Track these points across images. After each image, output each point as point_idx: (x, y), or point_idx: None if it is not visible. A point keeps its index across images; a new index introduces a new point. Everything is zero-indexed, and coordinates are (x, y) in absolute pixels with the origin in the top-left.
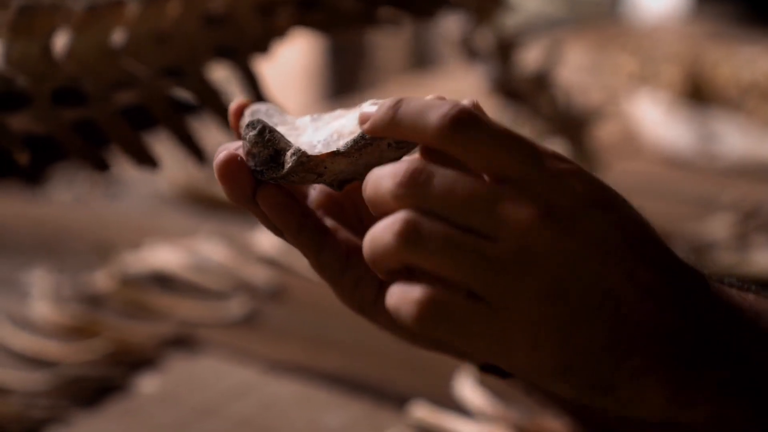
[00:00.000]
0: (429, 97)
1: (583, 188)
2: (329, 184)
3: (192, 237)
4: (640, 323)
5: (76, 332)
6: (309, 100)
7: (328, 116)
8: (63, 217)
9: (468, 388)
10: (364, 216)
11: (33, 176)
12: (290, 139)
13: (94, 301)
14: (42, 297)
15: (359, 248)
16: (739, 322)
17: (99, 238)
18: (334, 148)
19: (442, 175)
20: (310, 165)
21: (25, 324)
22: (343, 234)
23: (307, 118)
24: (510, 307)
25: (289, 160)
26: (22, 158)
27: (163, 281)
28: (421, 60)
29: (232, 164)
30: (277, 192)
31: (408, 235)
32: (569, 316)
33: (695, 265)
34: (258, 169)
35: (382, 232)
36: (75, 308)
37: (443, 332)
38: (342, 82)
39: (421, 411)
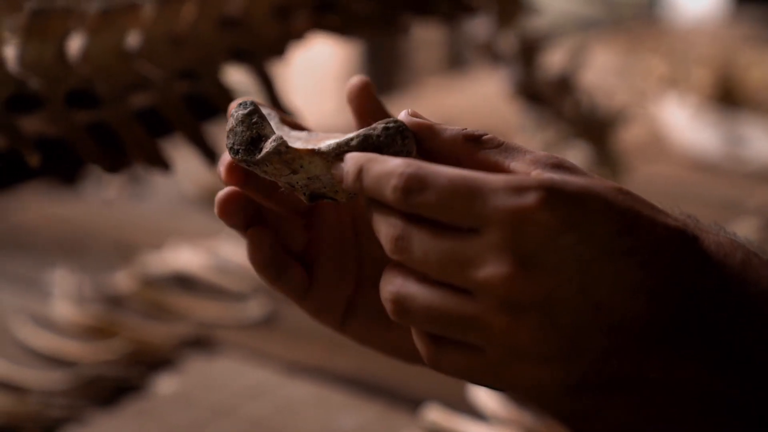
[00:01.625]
0: (402, 114)
1: (548, 216)
2: (301, 191)
3: (214, 238)
4: (635, 319)
5: (96, 332)
6: (343, 101)
7: (324, 135)
8: (87, 217)
9: (482, 391)
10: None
11: (68, 176)
12: None
13: (114, 301)
14: (63, 296)
15: (330, 278)
16: (724, 291)
17: (122, 238)
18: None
19: (419, 240)
20: (287, 157)
21: (46, 323)
22: (323, 258)
23: (303, 133)
24: (505, 350)
25: (267, 146)
26: (33, 160)
27: (183, 282)
28: (457, 62)
29: (231, 203)
30: (266, 235)
31: (398, 312)
32: (567, 341)
33: (682, 227)
34: (235, 148)
35: (384, 301)
36: (96, 308)
37: (451, 375)
38: (377, 83)
39: (435, 414)
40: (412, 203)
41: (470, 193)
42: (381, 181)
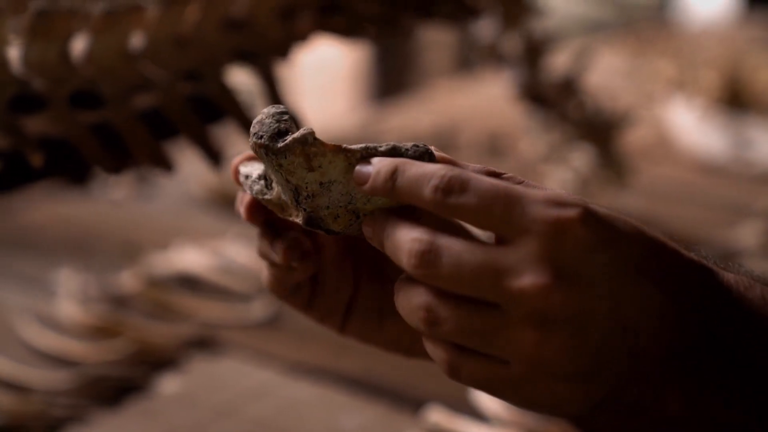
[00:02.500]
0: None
1: (585, 232)
2: (303, 206)
3: (219, 239)
4: (659, 345)
5: (100, 332)
6: (354, 102)
7: None
8: (94, 217)
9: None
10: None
11: (78, 176)
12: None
13: (119, 301)
14: (68, 296)
15: (333, 285)
16: (746, 323)
17: (128, 238)
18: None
19: (448, 253)
20: (311, 150)
21: (51, 323)
22: (327, 267)
23: None
24: (530, 364)
25: (296, 133)
26: (36, 159)
27: (187, 282)
28: (466, 64)
29: (295, 253)
30: (311, 266)
31: (428, 324)
32: (592, 360)
33: (703, 260)
34: (259, 134)
35: (408, 315)
36: (100, 308)
37: (469, 385)
38: (386, 85)
39: (437, 415)
40: (451, 204)
41: (511, 201)
42: (419, 181)
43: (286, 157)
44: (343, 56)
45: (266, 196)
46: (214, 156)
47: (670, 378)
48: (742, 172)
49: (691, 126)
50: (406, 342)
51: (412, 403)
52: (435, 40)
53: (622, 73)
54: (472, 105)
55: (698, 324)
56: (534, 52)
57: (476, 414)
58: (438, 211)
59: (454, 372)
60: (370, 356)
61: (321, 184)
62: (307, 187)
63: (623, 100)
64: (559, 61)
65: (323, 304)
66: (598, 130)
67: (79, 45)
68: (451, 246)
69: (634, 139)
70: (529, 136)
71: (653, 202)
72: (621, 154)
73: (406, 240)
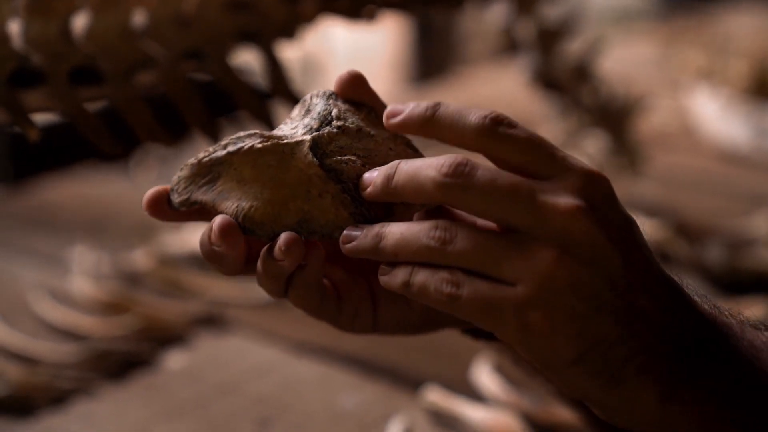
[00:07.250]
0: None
1: (612, 189)
2: (322, 129)
3: None
4: (651, 321)
5: (111, 308)
6: (395, 86)
7: None
8: (112, 197)
9: (484, 374)
10: None
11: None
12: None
13: (131, 278)
14: (82, 273)
15: (352, 285)
16: (724, 333)
17: (143, 218)
18: None
19: (485, 168)
20: (370, 116)
21: (65, 298)
22: (338, 274)
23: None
24: (541, 286)
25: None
26: (33, 134)
27: (198, 261)
28: (506, 52)
29: (297, 244)
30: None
31: (441, 242)
32: (595, 297)
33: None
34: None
35: (417, 234)
36: (112, 285)
37: (469, 313)
38: (427, 72)
39: (435, 395)
40: (500, 132)
41: (554, 147)
42: (464, 111)
43: (346, 105)
44: (384, 42)
45: (275, 132)
46: (215, 136)
47: (653, 361)
48: (764, 162)
49: (714, 115)
50: (433, 314)
51: (411, 382)
52: (477, 29)
53: (651, 62)
54: (496, 92)
55: (688, 318)
56: (548, 37)
57: (474, 394)
58: (481, 139)
59: (454, 295)
60: (371, 337)
61: (359, 129)
62: (345, 122)
63: (648, 88)
64: (575, 48)
65: (348, 312)
66: (612, 117)
67: (79, 22)
68: (487, 165)
69: (656, 126)
70: (547, 122)
71: (671, 189)
72: (635, 142)
73: (438, 159)
